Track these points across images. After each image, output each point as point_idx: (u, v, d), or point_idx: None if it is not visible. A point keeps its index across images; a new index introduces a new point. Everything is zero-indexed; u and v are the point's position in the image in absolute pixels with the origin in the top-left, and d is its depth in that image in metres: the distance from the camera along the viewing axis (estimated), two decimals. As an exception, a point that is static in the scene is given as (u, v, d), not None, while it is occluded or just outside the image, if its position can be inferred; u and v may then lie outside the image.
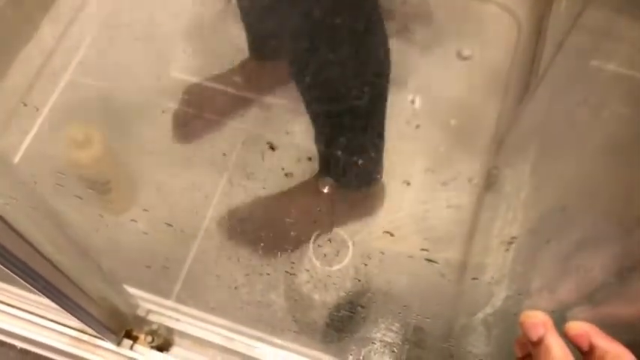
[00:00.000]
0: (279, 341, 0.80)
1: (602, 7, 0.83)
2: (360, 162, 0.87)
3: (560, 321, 0.43)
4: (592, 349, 0.41)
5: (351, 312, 0.92)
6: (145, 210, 1.07)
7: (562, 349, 0.41)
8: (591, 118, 0.82)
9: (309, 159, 0.96)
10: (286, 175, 0.95)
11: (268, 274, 1.00)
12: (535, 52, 1.20)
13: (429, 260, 0.90)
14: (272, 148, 0.98)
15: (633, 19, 0.75)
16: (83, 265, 0.68)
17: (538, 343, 0.42)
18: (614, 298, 0.53)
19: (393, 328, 0.90)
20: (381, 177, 1.00)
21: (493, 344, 0.84)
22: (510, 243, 0.87)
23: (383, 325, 0.90)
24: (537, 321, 0.43)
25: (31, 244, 0.54)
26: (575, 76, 0.90)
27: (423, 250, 0.98)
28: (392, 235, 0.96)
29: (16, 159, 1.09)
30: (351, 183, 0.96)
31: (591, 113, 0.82)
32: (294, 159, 0.94)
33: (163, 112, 1.14)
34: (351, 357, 0.87)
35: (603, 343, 0.41)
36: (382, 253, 0.92)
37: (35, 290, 0.59)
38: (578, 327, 0.42)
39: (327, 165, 0.94)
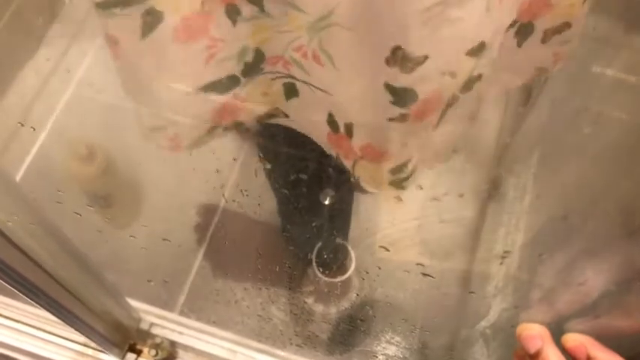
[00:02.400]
0: (282, 353, 0.80)
1: (602, 14, 0.83)
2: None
3: (557, 333, 0.43)
4: None
5: (352, 325, 0.92)
6: (146, 225, 1.07)
7: None
8: (592, 124, 0.82)
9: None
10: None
11: (270, 288, 1.00)
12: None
13: (425, 275, 0.90)
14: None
15: (633, 26, 0.76)
16: (85, 280, 0.68)
17: (536, 356, 0.42)
18: (612, 310, 0.53)
19: (394, 342, 0.90)
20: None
21: (493, 357, 0.83)
22: (504, 257, 0.86)
23: (384, 339, 0.89)
24: (535, 333, 0.42)
25: (33, 260, 0.54)
26: (576, 83, 0.90)
27: (418, 264, 0.98)
28: (387, 249, 0.96)
29: (19, 175, 1.09)
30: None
31: (592, 120, 0.82)
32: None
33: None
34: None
35: (601, 355, 0.41)
36: (379, 267, 0.92)
37: (38, 305, 0.59)
38: (576, 339, 0.42)
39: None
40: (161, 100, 0.62)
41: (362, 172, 0.67)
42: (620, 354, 0.42)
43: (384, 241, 1.03)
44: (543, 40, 0.63)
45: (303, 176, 0.76)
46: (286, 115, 0.66)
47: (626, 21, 0.78)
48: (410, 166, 0.67)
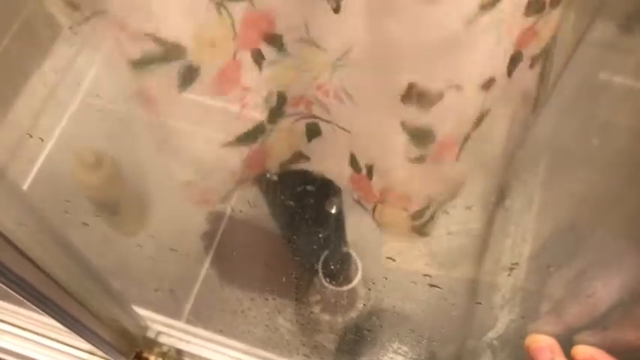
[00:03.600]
0: (289, 363, 0.80)
1: (609, 21, 0.82)
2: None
3: (567, 345, 0.43)
4: None
5: (358, 335, 0.91)
6: (153, 233, 1.07)
7: None
8: (600, 132, 0.81)
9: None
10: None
11: (275, 299, 1.00)
12: (544, 67, 1.19)
13: (433, 285, 0.89)
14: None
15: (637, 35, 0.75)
16: (92, 287, 0.68)
17: None
18: (623, 322, 0.52)
19: (401, 352, 0.89)
20: None
21: None
22: (512, 269, 0.86)
23: (390, 349, 0.89)
24: (544, 345, 0.42)
25: (39, 268, 0.54)
26: (584, 90, 0.90)
27: (425, 275, 0.97)
28: (394, 260, 0.96)
29: (26, 184, 1.09)
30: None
31: (600, 127, 0.82)
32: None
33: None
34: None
35: None
36: (386, 278, 0.92)
37: (44, 313, 0.59)
38: (586, 352, 0.41)
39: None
40: (194, 155, 0.62)
41: (383, 217, 0.67)
42: None
43: (391, 252, 1.03)
44: (531, 66, 0.63)
45: (309, 187, 0.76)
46: (308, 159, 0.65)
47: (633, 26, 0.78)
48: (431, 209, 0.66)
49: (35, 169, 1.11)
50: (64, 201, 1.01)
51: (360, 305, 0.91)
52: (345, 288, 0.84)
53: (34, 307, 0.57)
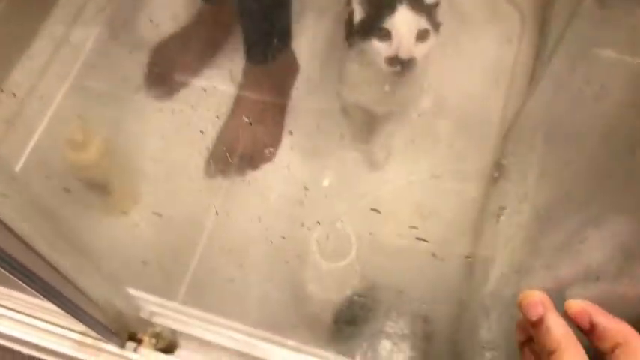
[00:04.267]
0: (285, 341, 0.80)
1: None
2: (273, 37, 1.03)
3: (559, 302, 0.42)
4: (593, 327, 0.40)
5: (355, 309, 0.91)
6: (147, 212, 1.06)
7: (563, 328, 0.40)
8: (594, 105, 0.81)
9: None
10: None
11: (273, 275, 0.99)
12: (539, 42, 1.19)
13: (419, 239, 0.88)
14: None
15: (632, 6, 0.75)
16: (85, 268, 0.67)
17: (538, 324, 0.41)
18: (616, 275, 0.52)
19: (393, 318, 0.89)
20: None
21: (493, 330, 0.82)
22: (499, 215, 0.85)
23: (382, 314, 0.89)
24: (536, 300, 0.41)
25: (31, 248, 0.53)
26: (578, 64, 0.89)
27: (412, 227, 0.96)
28: (378, 212, 0.95)
29: (19, 165, 1.08)
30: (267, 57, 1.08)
31: (594, 100, 0.82)
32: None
33: (161, 110, 1.14)
34: (359, 356, 0.86)
35: (605, 320, 0.40)
36: (371, 233, 0.91)
37: (37, 293, 0.58)
38: (578, 305, 0.41)
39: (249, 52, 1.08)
40: None
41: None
42: (625, 321, 0.41)
43: (383, 222, 1.02)
44: None
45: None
46: None
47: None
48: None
49: (28, 150, 1.10)
50: (57, 181, 1.00)
51: (355, 280, 0.91)
52: (340, 263, 0.83)
53: (26, 287, 0.56)
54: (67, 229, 0.64)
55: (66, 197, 1.01)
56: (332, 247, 0.84)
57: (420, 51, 0.84)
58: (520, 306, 0.42)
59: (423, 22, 0.83)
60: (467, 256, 0.98)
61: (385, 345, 0.93)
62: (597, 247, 0.57)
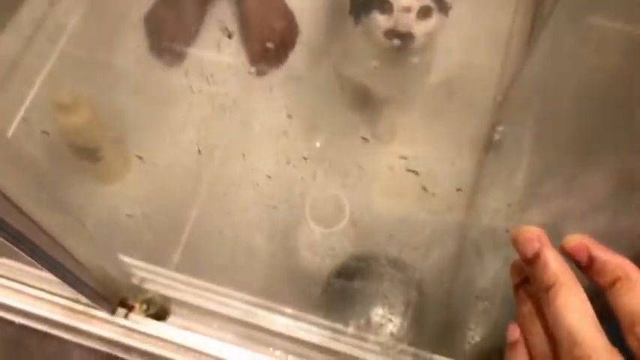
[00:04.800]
0: (277, 307, 0.79)
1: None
2: None
3: (554, 239, 0.41)
4: (592, 261, 0.39)
5: (346, 277, 0.90)
6: (138, 178, 1.05)
7: (561, 263, 0.39)
8: (589, 73, 0.80)
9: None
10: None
11: (268, 242, 0.99)
12: (535, 10, 1.18)
13: (410, 170, 0.87)
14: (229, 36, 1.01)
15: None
16: (75, 232, 0.66)
17: (534, 260, 0.39)
18: (614, 210, 0.51)
19: (392, 292, 0.89)
20: None
21: (487, 276, 0.82)
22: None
23: (381, 289, 0.88)
24: (531, 235, 0.40)
25: (24, 213, 0.52)
26: (572, 32, 0.88)
27: (402, 157, 0.95)
28: (367, 140, 0.94)
29: (10, 131, 1.06)
30: None
31: (589, 68, 0.81)
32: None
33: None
34: (352, 321, 0.86)
35: (603, 254, 0.38)
36: (360, 166, 0.90)
37: (28, 258, 0.57)
38: (576, 239, 0.39)
39: None
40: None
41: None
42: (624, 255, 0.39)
43: (378, 188, 1.01)
44: None
45: None
46: None
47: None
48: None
49: (18, 117, 1.08)
50: (48, 147, 0.98)
51: (348, 246, 0.90)
52: (333, 229, 0.82)
53: (17, 250, 0.55)
54: (58, 195, 0.63)
55: (57, 163, 0.99)
56: (325, 212, 0.83)
57: (420, 28, 0.83)
58: (515, 242, 0.40)
59: None
60: (458, 189, 0.96)
61: (379, 303, 0.93)
62: (594, 181, 0.56)
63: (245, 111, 1.09)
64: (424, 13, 0.83)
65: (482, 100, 1.10)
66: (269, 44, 1.16)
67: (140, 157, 1.07)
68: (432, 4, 0.83)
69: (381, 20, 0.83)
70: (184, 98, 1.09)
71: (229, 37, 1.11)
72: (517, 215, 0.75)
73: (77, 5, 1.21)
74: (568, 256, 0.39)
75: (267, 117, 1.09)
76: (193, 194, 1.04)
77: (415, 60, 0.90)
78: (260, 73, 1.16)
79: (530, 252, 0.39)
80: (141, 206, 1.02)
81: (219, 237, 1.01)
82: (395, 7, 0.82)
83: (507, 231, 0.42)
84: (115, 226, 1.00)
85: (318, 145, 0.98)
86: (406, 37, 0.83)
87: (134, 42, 1.16)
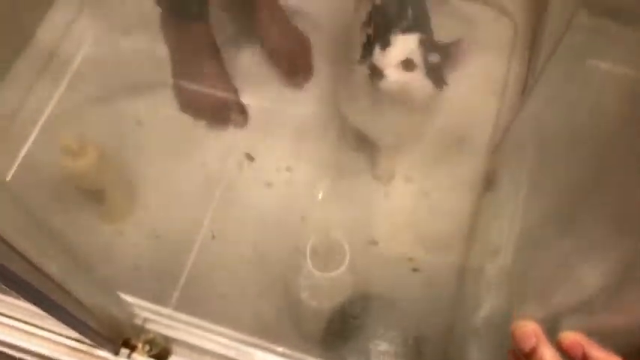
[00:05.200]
0: (277, 348, 0.80)
1: (595, 9, 0.82)
2: None
3: (552, 332, 0.43)
4: (585, 359, 0.41)
5: (345, 321, 0.91)
6: (141, 219, 1.06)
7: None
8: (588, 117, 0.81)
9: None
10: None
11: (266, 282, 1.00)
12: (532, 54, 1.20)
13: (416, 270, 0.90)
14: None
15: (624, 22, 0.75)
16: (77, 274, 0.68)
17: (530, 354, 0.42)
18: (609, 307, 0.52)
19: (389, 336, 0.89)
20: None
21: (486, 355, 0.83)
22: (497, 252, 0.86)
23: (377, 333, 0.89)
24: (529, 330, 0.42)
25: (25, 257, 0.53)
26: (571, 76, 0.90)
27: (410, 259, 0.98)
28: (377, 243, 0.96)
29: (10, 173, 1.08)
30: None
31: (588, 113, 0.82)
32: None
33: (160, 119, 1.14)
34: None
35: (598, 354, 0.40)
36: (372, 262, 0.92)
37: (30, 302, 0.59)
38: (572, 337, 0.41)
39: None
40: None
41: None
42: (618, 354, 0.41)
43: (376, 232, 1.03)
44: None
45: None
46: None
47: (619, 13, 0.78)
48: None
49: (20, 157, 1.10)
50: (49, 189, 1.00)
51: (347, 290, 0.91)
52: (333, 273, 0.84)
53: (19, 295, 0.56)
54: (60, 236, 0.64)
55: (59, 205, 1.01)
56: (325, 257, 0.85)
57: (397, 74, 0.86)
58: (513, 336, 0.43)
59: (415, 53, 0.85)
60: (462, 285, 0.99)
61: (377, 345, 0.93)
62: (591, 273, 0.57)
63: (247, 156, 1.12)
64: (407, 65, 0.86)
65: (480, 144, 1.12)
66: (297, 58, 1.22)
67: (143, 198, 1.08)
68: (419, 61, 0.86)
69: (375, 54, 0.86)
70: (190, 147, 1.11)
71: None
72: (516, 310, 0.76)
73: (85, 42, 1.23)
74: (563, 352, 0.41)
75: (268, 161, 1.11)
76: (195, 235, 1.06)
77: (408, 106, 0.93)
78: (298, 86, 1.22)
79: (526, 347, 0.42)
80: (143, 245, 1.04)
81: (218, 276, 1.02)
82: (389, 46, 0.85)
83: (507, 323, 0.45)
84: (118, 265, 1.01)
85: (320, 197, 1.00)
86: (376, 72, 0.86)
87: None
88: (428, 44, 0.87)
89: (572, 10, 0.96)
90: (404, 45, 0.86)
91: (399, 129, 0.98)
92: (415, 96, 0.90)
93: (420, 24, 0.92)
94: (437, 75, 0.88)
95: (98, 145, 0.94)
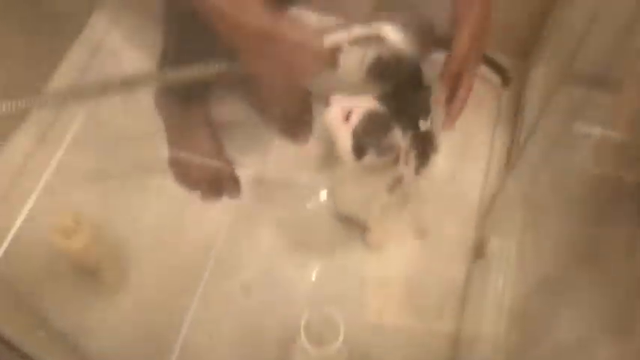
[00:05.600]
0: None
1: (579, 80, 0.85)
2: None
3: None
4: None
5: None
6: (134, 293, 1.06)
7: None
8: (575, 183, 0.82)
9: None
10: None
11: (260, 353, 0.99)
12: (517, 120, 1.22)
13: (410, 339, 0.89)
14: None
15: (606, 91, 0.77)
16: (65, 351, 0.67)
17: None
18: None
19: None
20: None
21: None
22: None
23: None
24: None
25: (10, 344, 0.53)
26: (558, 142, 0.91)
27: (402, 329, 0.97)
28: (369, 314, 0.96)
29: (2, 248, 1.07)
30: None
31: (575, 178, 0.83)
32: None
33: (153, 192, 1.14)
34: None
35: None
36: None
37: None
38: None
39: None
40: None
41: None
42: None
43: (369, 303, 1.03)
44: None
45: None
46: None
47: (600, 80, 0.80)
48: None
49: (10, 236, 1.09)
50: (41, 267, 0.99)
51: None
52: (328, 349, 0.83)
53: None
54: (50, 318, 0.64)
55: (51, 281, 1.00)
56: (319, 332, 0.84)
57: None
58: None
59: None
60: (463, 350, 0.99)
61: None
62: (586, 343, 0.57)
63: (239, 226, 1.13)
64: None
65: (469, 212, 1.13)
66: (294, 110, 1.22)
67: (138, 270, 1.08)
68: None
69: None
70: (183, 221, 1.12)
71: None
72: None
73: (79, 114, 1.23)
74: None
75: (263, 234, 1.12)
76: (187, 307, 1.05)
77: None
78: (302, 142, 1.21)
79: None
80: (137, 315, 1.02)
81: (211, 346, 1.01)
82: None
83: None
84: (112, 338, 1.00)
85: (313, 278, 1.02)
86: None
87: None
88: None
89: (556, 79, 0.98)
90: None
91: (382, 203, 1.00)
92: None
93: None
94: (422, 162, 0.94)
95: (92, 220, 0.94)
